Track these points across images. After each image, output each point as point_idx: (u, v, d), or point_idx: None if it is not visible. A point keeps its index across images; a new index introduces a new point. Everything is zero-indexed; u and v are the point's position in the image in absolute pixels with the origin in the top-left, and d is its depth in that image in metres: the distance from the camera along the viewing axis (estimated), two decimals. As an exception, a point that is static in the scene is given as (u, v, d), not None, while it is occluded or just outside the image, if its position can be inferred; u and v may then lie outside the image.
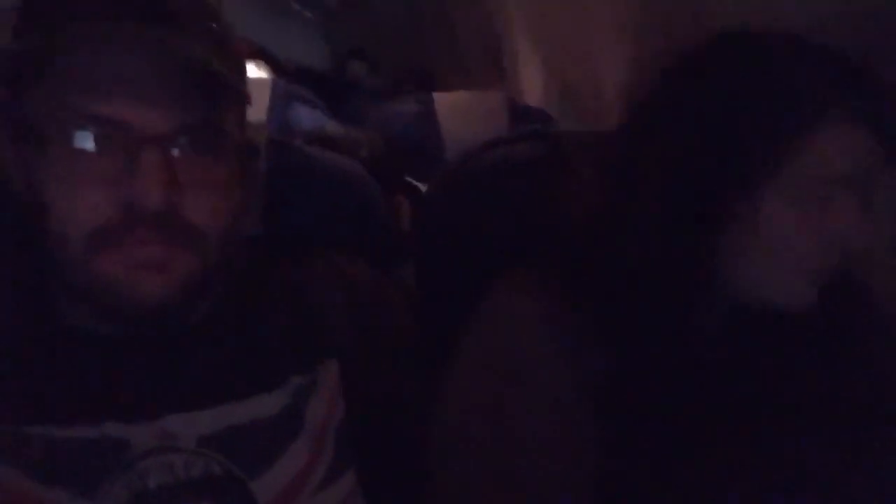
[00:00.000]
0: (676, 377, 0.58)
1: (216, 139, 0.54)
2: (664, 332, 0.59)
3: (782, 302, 0.61)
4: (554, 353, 0.59)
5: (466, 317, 0.65)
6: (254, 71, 2.39)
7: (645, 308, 0.60)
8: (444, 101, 1.74)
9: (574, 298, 0.61)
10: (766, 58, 0.59)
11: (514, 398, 0.59)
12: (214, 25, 0.55)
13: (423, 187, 1.43)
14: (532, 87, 2.12)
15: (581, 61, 1.80)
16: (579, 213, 0.66)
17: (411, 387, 0.68)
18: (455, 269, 0.80)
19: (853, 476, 0.59)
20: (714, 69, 0.61)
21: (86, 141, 0.49)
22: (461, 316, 0.66)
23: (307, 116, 1.91)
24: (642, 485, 0.56)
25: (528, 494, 0.56)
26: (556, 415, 0.58)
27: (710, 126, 0.59)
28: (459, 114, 1.70)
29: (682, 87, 0.62)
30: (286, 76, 2.57)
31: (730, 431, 0.59)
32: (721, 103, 0.59)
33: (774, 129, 0.57)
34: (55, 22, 0.49)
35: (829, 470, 0.59)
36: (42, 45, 0.49)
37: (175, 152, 0.51)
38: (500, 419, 0.58)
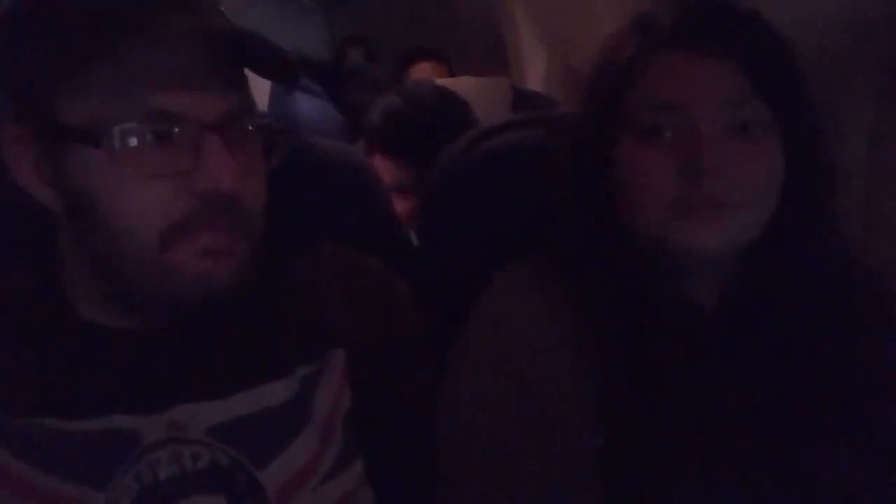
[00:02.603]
0: (672, 356, 0.58)
1: (253, 122, 0.54)
2: (642, 306, 0.60)
3: (687, 246, 0.59)
4: (555, 343, 0.59)
5: (471, 306, 0.65)
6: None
7: (611, 283, 0.61)
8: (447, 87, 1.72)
9: (572, 285, 0.61)
10: None
11: (517, 388, 0.59)
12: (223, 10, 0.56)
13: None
14: (535, 71, 2.10)
15: (583, 45, 1.79)
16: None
17: (417, 377, 0.68)
18: (460, 256, 0.79)
19: (833, 447, 0.59)
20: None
21: (147, 136, 0.49)
22: (466, 305, 0.65)
23: (308, 106, 1.89)
24: (646, 472, 0.56)
25: (533, 483, 0.56)
26: (558, 404, 0.58)
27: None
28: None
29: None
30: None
31: (732, 411, 0.58)
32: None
33: None
34: (98, 20, 0.47)
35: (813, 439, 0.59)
36: (87, 43, 0.48)
37: (229, 137, 0.51)
38: (503, 409, 0.58)
